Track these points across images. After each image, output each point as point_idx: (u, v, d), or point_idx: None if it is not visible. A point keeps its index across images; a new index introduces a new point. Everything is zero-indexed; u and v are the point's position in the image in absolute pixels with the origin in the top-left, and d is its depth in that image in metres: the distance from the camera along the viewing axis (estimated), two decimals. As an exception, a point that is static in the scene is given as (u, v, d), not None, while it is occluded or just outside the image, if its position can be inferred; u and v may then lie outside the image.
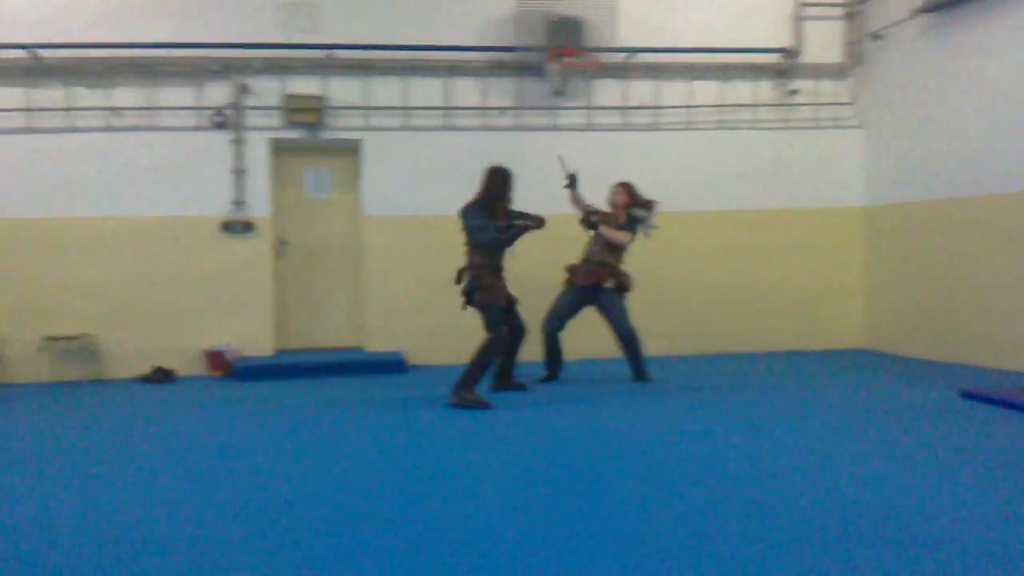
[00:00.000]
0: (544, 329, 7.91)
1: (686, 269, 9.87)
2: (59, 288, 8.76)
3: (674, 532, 3.67)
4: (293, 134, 9.29)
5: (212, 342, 9.03)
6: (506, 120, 9.58)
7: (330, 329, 9.72)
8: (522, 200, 7.58)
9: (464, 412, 6.57)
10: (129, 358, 8.91)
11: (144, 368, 8.85)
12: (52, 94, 8.95)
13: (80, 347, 8.77)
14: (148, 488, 4.61)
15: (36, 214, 8.80)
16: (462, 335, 9.39)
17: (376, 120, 9.40)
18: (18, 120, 8.86)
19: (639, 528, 3.74)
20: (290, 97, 9.21)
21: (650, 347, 9.68)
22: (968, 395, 6.77)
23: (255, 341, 9.20)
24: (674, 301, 9.82)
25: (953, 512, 3.91)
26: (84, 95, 9.00)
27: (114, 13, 8.94)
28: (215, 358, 8.96)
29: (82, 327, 8.81)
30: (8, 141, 8.82)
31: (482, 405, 6.70)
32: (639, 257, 10.00)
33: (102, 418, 6.83)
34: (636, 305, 9.79)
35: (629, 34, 9.46)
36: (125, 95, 9.04)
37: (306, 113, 9.22)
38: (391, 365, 9.07)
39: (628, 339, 7.87)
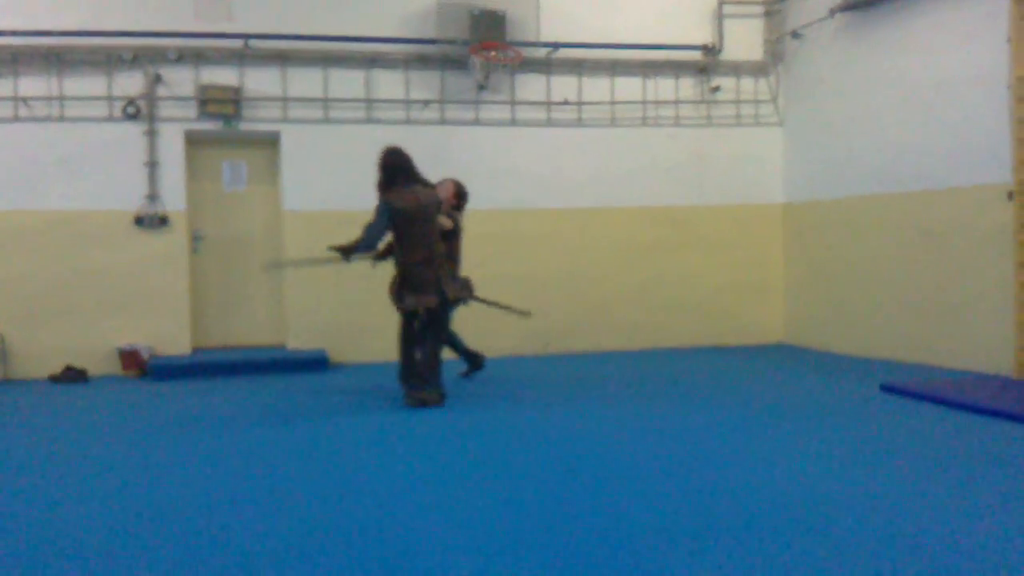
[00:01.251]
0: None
1: (609, 265, 9.97)
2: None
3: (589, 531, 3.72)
4: (208, 125, 9.13)
5: (126, 340, 8.83)
6: (429, 114, 9.55)
7: (249, 326, 9.58)
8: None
9: (408, 413, 6.55)
10: (39, 357, 8.65)
11: (55, 367, 8.61)
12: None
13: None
14: (36, 494, 4.50)
15: (-61, 207, 8.51)
16: (386, 332, 9.38)
17: (295, 112, 9.29)
18: (-84, 109, 8.52)
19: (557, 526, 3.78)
20: (205, 88, 9.04)
21: (574, 344, 9.84)
22: (888, 388, 6.99)
23: (171, 339, 9.03)
24: (597, 297, 9.93)
25: (875, 504, 4.04)
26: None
27: (22, 1, 8.66)
28: (129, 357, 8.77)
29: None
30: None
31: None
32: (562, 254, 10.13)
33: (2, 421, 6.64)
34: (561, 302, 9.91)
35: (552, 29, 9.52)
36: (34, 85, 8.76)
37: (222, 104, 9.07)
38: (314, 363, 8.99)
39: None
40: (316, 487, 4.56)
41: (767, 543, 3.54)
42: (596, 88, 9.97)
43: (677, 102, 10.16)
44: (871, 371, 8.10)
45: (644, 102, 10.07)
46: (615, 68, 9.98)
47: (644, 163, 10.05)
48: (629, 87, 10.06)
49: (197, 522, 3.97)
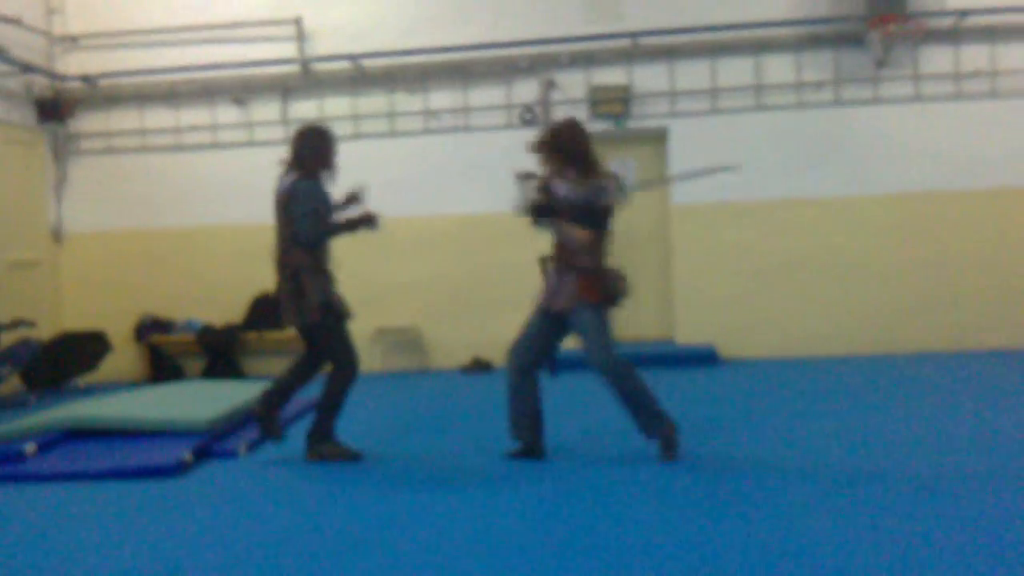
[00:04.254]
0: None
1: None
2: (388, 283, 9.48)
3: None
4: (600, 126, 9.49)
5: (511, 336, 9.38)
6: (823, 96, 9.24)
7: (639, 319, 9.80)
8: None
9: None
10: (451, 349, 9.48)
11: (464, 359, 9.37)
12: (374, 101, 9.72)
13: (407, 339, 9.45)
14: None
15: (365, 215, 9.60)
16: (781, 326, 9.23)
17: (683, 106, 9.41)
18: (347, 127, 9.68)
19: None
20: (596, 89, 9.42)
21: (993, 338, 8.97)
22: None
23: (566, 333, 9.46)
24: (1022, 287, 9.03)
25: None
26: (403, 100, 9.69)
27: (428, 19, 9.59)
28: (528, 350, 9.32)
29: (409, 319, 9.48)
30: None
31: (350, 456, 5.38)
32: (978, 240, 9.25)
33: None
34: (979, 291, 9.09)
35: (959, -6, 8.84)
36: (440, 98, 9.64)
37: (612, 104, 9.40)
38: (703, 358, 9.06)
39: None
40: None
41: None
42: (1012, 56, 9.09)
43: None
44: None
45: (1078, 67, 9.03)
46: (1031, 32, 9.06)
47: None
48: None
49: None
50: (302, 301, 5.17)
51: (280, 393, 5.44)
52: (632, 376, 4.98)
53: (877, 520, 3.72)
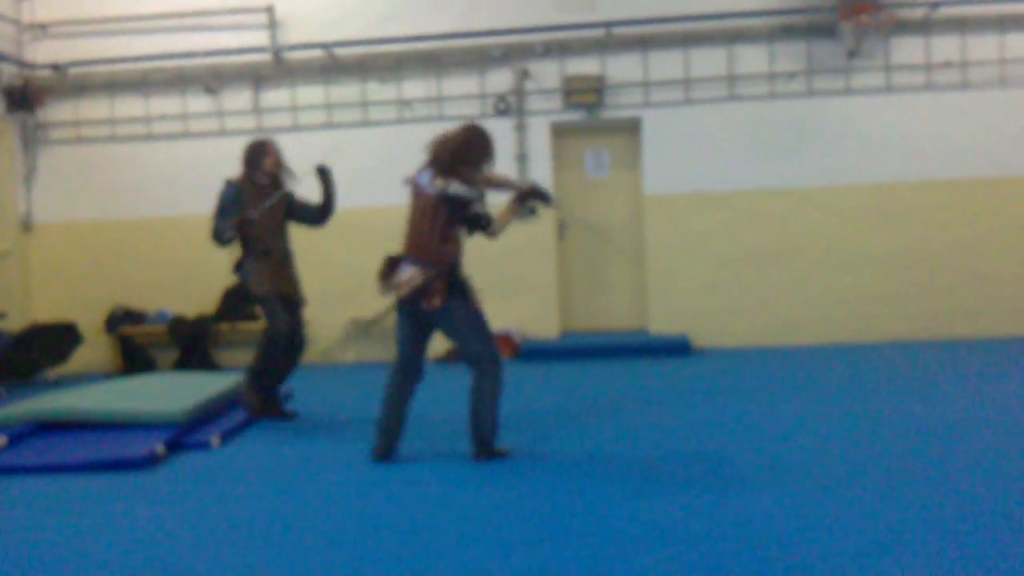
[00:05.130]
0: None
1: (1005, 241, 9.19)
2: (362, 273, 9.45)
3: None
4: (573, 116, 9.56)
5: (500, 324, 9.44)
6: (795, 86, 9.34)
7: (613, 310, 9.91)
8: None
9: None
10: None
11: (439, 349, 9.40)
12: (347, 90, 9.72)
13: (381, 330, 9.49)
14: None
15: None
16: (753, 316, 9.37)
17: (656, 96, 9.48)
18: (319, 116, 9.68)
19: None
20: (570, 79, 9.47)
21: (964, 328, 9.13)
22: None
23: (541, 322, 9.55)
24: (991, 277, 9.20)
25: None
26: (376, 90, 9.70)
27: (401, 8, 9.62)
28: (503, 340, 9.39)
29: (382, 310, 9.50)
30: (309, 137, 9.64)
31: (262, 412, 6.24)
32: (947, 229, 9.42)
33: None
34: (949, 282, 9.21)
35: (930, -16, 8.96)
36: (414, 87, 9.66)
37: (585, 94, 9.46)
38: (675, 347, 9.13)
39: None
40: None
41: None
42: (983, 46, 9.22)
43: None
44: None
45: (1036, 59, 9.19)
46: (1004, 24, 9.18)
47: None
48: (1021, 43, 9.20)
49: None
50: None
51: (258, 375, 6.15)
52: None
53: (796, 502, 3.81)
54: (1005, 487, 4.00)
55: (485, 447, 4.92)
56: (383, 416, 5.05)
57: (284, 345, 6.14)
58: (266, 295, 6.10)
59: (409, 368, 5.05)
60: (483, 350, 4.89)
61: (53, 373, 9.18)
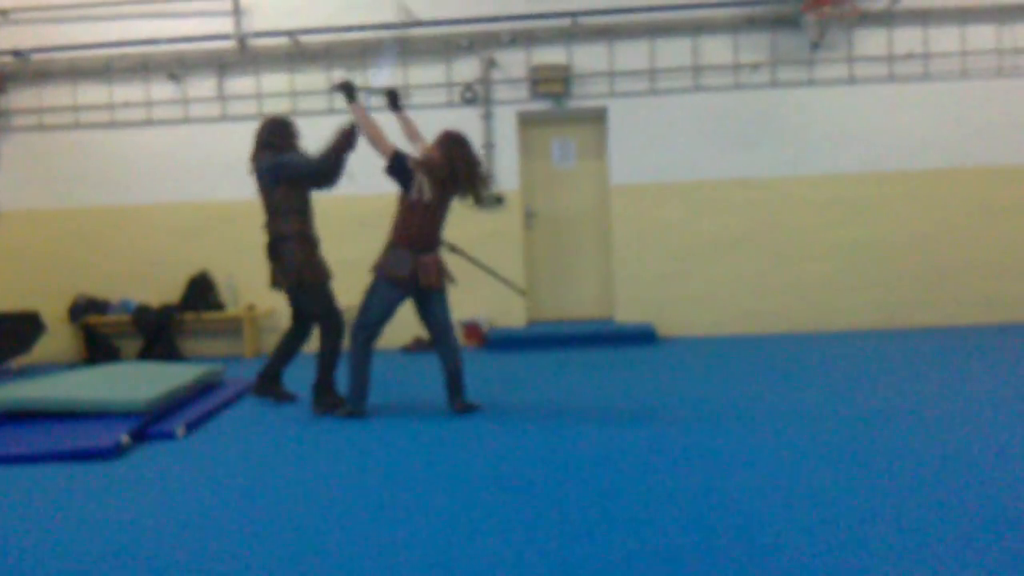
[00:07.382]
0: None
1: (962, 231, 9.51)
2: (331, 262, 9.54)
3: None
4: (540, 105, 9.70)
5: (468, 313, 9.61)
6: (759, 77, 9.55)
7: (579, 299, 10.09)
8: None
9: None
10: (391, 328, 9.53)
11: (406, 338, 9.56)
12: (312, 78, 9.80)
13: (348, 319, 9.56)
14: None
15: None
16: (717, 305, 9.58)
17: (621, 86, 9.65)
18: (284, 104, 9.75)
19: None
20: (536, 68, 9.61)
21: (923, 317, 9.40)
22: None
23: (508, 312, 9.71)
24: (948, 266, 9.48)
25: None
26: (342, 77, 9.75)
27: (370, -6, 9.69)
28: (471, 329, 9.55)
29: (351, 299, 9.60)
30: (276, 125, 9.70)
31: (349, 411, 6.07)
32: (908, 219, 9.72)
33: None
34: (909, 271, 9.53)
35: (894, -23, 9.18)
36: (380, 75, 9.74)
37: (552, 83, 9.60)
38: (641, 336, 9.31)
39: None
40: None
41: None
42: (945, 38, 9.46)
43: (1038, 48, 9.44)
44: None
45: (1000, 51, 9.43)
46: (966, 16, 9.43)
47: (1000, 118, 9.44)
48: (982, 36, 9.46)
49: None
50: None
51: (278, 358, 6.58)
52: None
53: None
54: (919, 465, 4.20)
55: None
56: (358, 381, 5.93)
57: (343, 328, 6.38)
58: (324, 282, 6.46)
59: (376, 335, 6.05)
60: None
61: (16, 363, 9.23)
